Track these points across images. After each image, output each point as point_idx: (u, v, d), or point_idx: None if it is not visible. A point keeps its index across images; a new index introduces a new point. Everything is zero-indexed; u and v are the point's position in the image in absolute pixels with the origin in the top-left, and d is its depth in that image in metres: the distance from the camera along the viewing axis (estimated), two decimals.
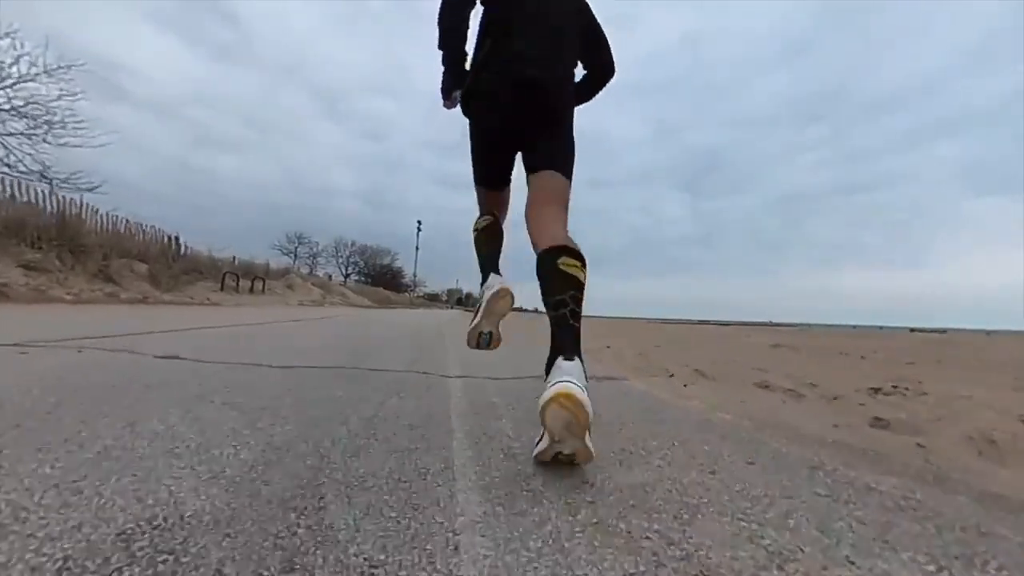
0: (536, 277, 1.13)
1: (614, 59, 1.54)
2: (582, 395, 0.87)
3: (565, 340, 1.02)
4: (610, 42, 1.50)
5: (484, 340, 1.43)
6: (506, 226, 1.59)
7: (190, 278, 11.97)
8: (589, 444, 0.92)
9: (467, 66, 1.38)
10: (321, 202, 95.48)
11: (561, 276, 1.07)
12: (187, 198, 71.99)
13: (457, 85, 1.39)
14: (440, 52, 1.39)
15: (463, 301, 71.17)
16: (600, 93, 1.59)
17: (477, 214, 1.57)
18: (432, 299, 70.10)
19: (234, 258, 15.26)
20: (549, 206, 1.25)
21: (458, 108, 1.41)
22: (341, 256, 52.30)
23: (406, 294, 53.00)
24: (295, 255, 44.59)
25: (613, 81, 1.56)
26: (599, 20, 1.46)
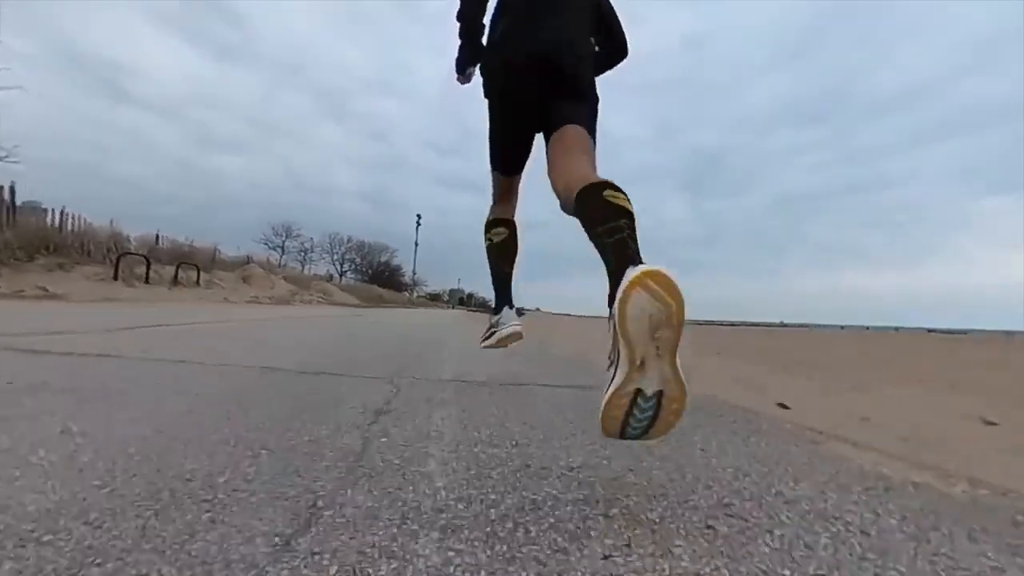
0: (577, 216, 0.90)
1: (627, 40, 1.47)
2: (674, 275, 0.66)
3: (627, 253, 0.76)
4: (622, 25, 1.44)
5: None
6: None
7: (57, 260, 7.97)
8: (680, 372, 0.66)
9: (484, 41, 1.32)
10: (323, 202, 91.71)
11: (610, 206, 0.84)
12: (189, 197, 68.58)
13: (473, 60, 1.35)
14: (458, 24, 1.31)
15: (464, 301, 67.91)
16: (610, 72, 1.50)
17: (488, 212, 1.51)
18: (434, 299, 66.71)
19: (157, 238, 11.26)
20: (574, 153, 1.10)
21: (472, 85, 1.40)
22: (336, 253, 48.41)
23: (405, 293, 49.14)
24: (282, 249, 40.67)
25: (623, 64, 1.50)
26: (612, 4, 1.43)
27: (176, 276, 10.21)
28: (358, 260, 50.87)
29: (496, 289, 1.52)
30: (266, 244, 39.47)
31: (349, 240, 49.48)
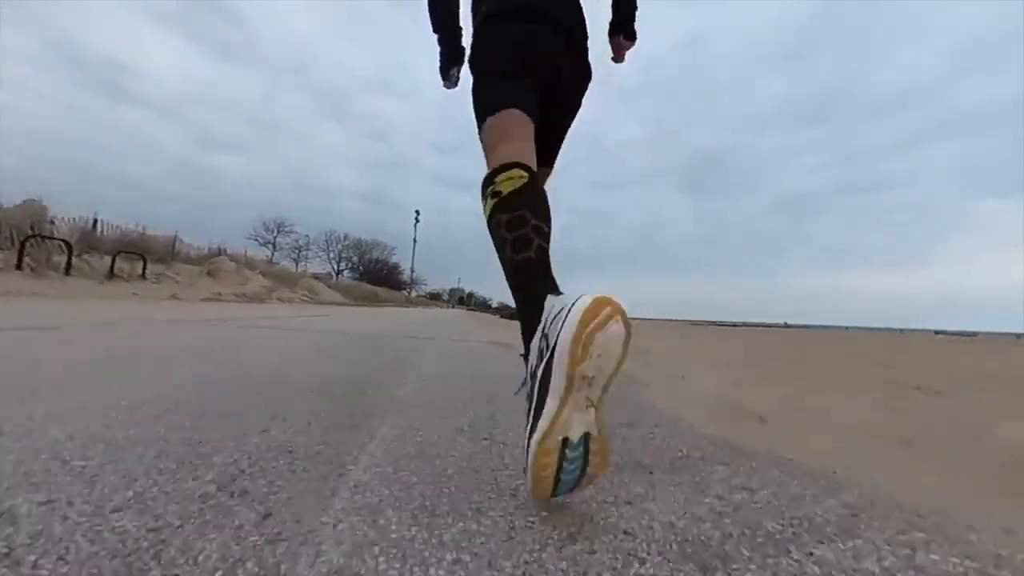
0: None
1: None
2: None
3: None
4: None
5: (573, 461, 0.58)
6: None
7: None
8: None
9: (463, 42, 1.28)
10: (323, 202, 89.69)
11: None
12: (189, 196, 66.94)
13: (455, 62, 1.29)
14: (436, 34, 1.24)
15: (464, 300, 66.84)
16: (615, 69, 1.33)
17: (485, 171, 0.84)
18: (434, 298, 65.39)
19: (96, 223, 9.47)
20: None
21: (460, 83, 1.29)
22: (332, 251, 46.54)
23: (404, 292, 47.39)
24: (273, 245, 38.90)
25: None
26: None
27: (112, 267, 8.42)
28: (355, 258, 49.09)
29: (523, 284, 0.72)
30: (257, 240, 37.80)
31: (346, 238, 47.69)
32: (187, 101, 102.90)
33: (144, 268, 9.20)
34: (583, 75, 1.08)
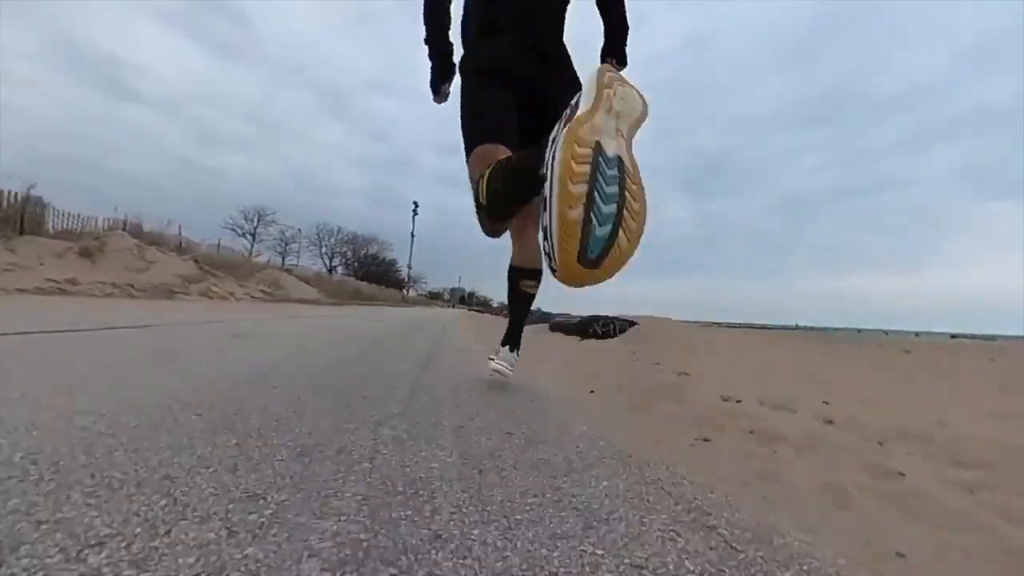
0: (508, 277, 1.47)
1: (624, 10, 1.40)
2: (509, 372, 1.44)
3: (513, 336, 1.49)
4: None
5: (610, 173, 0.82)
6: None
7: None
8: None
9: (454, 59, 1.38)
10: (324, 201, 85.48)
11: (522, 296, 1.46)
12: (190, 194, 62.81)
13: (445, 78, 1.39)
14: (427, 48, 1.37)
15: (465, 300, 63.41)
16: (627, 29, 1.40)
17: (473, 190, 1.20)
18: (434, 297, 61.46)
19: None
20: (529, 226, 1.38)
21: (449, 100, 1.41)
22: (325, 245, 42.10)
23: (401, 290, 43.21)
24: (254, 236, 34.59)
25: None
26: None
27: None
28: (349, 254, 44.73)
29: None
30: (235, 230, 33.51)
31: (339, 232, 43.21)
32: (188, 100, 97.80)
33: None
34: (571, 81, 1.27)
